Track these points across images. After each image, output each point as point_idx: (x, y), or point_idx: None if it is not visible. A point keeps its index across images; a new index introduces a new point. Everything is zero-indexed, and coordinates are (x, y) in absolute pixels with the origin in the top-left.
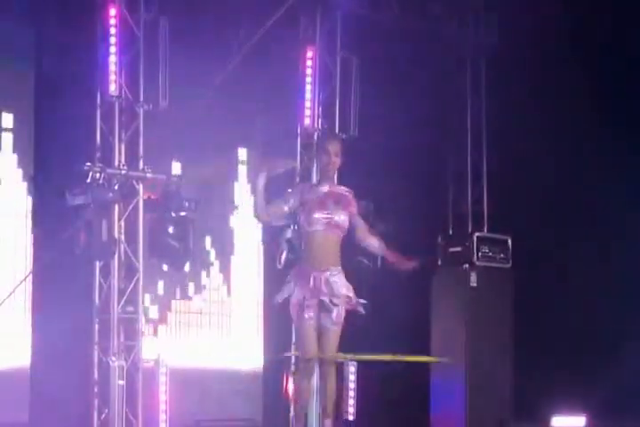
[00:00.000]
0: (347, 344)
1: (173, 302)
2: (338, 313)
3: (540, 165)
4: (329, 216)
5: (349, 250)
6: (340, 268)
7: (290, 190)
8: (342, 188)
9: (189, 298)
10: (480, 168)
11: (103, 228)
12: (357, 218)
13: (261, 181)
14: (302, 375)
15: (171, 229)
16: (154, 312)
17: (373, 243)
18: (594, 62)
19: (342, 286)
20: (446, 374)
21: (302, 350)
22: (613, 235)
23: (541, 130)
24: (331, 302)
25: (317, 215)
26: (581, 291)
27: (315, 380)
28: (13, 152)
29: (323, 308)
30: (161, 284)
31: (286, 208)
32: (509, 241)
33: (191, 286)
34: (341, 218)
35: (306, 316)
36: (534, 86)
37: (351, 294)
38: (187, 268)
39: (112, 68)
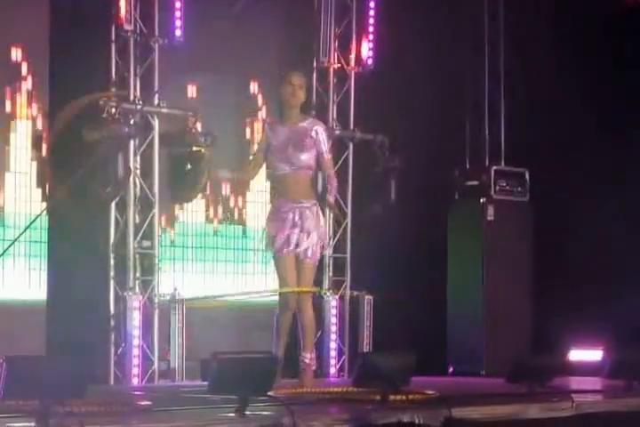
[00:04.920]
0: (362, 277)
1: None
2: (311, 247)
3: (559, 97)
4: (291, 161)
5: (361, 194)
6: (314, 201)
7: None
8: (309, 121)
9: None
10: (497, 101)
11: (119, 163)
12: (322, 157)
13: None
14: (281, 310)
15: (186, 165)
16: None
17: (327, 188)
18: None
19: (314, 220)
20: (464, 307)
21: (280, 284)
22: (636, 164)
23: (562, 59)
24: (305, 235)
25: (280, 162)
26: (602, 223)
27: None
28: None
29: (298, 241)
30: None
31: (261, 161)
32: (527, 174)
33: None
34: (303, 159)
35: (284, 251)
36: (556, 13)
37: (322, 230)
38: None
39: (126, 1)
